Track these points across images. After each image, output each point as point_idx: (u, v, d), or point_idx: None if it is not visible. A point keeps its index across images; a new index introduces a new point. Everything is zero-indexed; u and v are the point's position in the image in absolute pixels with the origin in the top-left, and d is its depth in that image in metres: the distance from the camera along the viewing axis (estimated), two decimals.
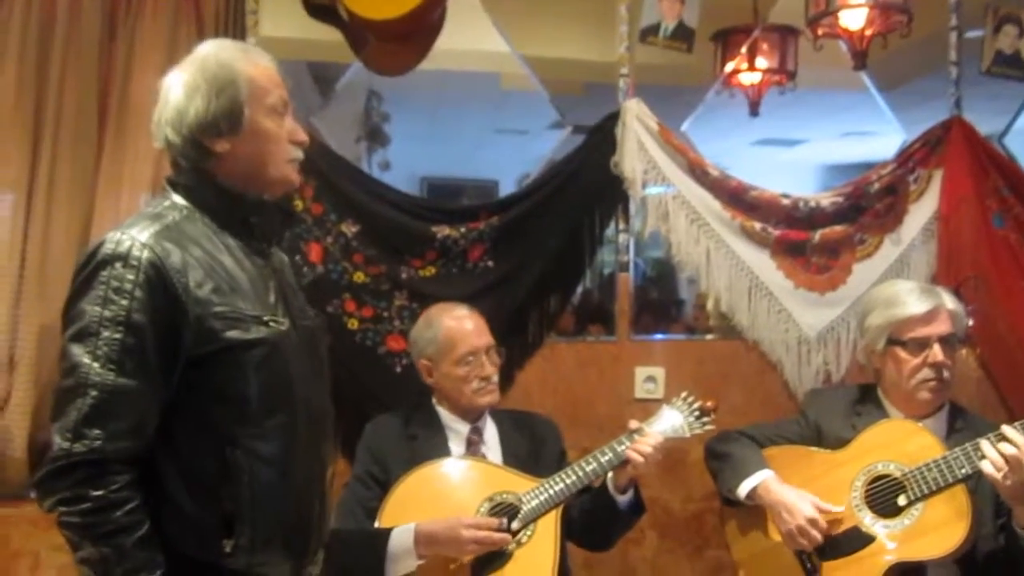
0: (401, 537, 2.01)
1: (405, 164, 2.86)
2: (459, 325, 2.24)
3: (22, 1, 2.50)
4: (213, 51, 1.54)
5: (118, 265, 1.39)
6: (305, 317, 1.63)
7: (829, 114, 3.31)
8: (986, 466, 1.92)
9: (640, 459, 2.07)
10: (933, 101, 2.96)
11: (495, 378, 2.24)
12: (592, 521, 2.17)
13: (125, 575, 1.34)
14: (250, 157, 1.53)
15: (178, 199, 1.53)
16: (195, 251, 1.46)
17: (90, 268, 1.41)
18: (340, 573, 2.01)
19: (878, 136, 3.07)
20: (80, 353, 1.37)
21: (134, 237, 1.42)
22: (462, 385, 2.21)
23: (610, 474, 2.13)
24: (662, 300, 2.99)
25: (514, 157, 3.05)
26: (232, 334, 1.44)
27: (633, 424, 2.17)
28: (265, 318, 1.49)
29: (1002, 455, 1.90)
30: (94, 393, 1.36)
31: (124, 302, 1.38)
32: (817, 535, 2.06)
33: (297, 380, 1.52)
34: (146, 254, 1.40)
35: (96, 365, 1.36)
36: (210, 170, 1.52)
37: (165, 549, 1.40)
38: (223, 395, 1.45)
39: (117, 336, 1.37)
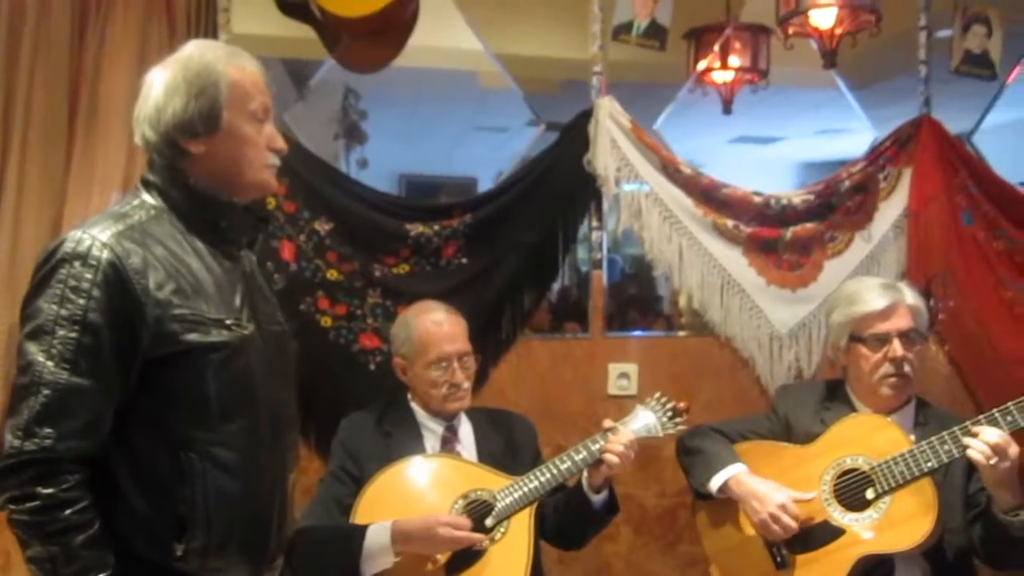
0: (377, 534, 2.01)
1: (383, 161, 2.85)
2: (434, 329, 2.22)
3: None
4: (198, 51, 1.53)
5: (77, 264, 1.39)
6: (273, 322, 1.62)
7: (804, 112, 3.33)
8: (974, 453, 1.94)
9: (614, 459, 2.08)
10: (904, 99, 3.01)
11: (466, 385, 2.23)
12: (566, 520, 2.18)
13: (73, 575, 1.34)
14: (226, 160, 1.52)
15: (148, 198, 1.52)
16: (159, 251, 1.45)
17: (49, 266, 1.41)
18: (315, 569, 2.02)
19: (852, 133, 3.10)
20: (35, 351, 1.37)
21: (95, 236, 1.41)
22: (431, 389, 2.21)
23: (585, 473, 2.14)
24: (644, 296, 3.00)
25: (492, 155, 3.05)
26: (191, 337, 1.43)
27: (607, 423, 2.18)
28: (228, 321, 1.48)
29: (987, 443, 1.92)
30: (47, 392, 1.36)
31: (81, 301, 1.38)
32: (790, 521, 2.07)
33: (260, 385, 1.52)
34: (106, 254, 1.40)
35: (50, 364, 1.36)
36: (184, 170, 1.51)
37: (118, 550, 1.40)
38: (180, 397, 1.44)
39: (72, 335, 1.37)
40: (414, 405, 2.27)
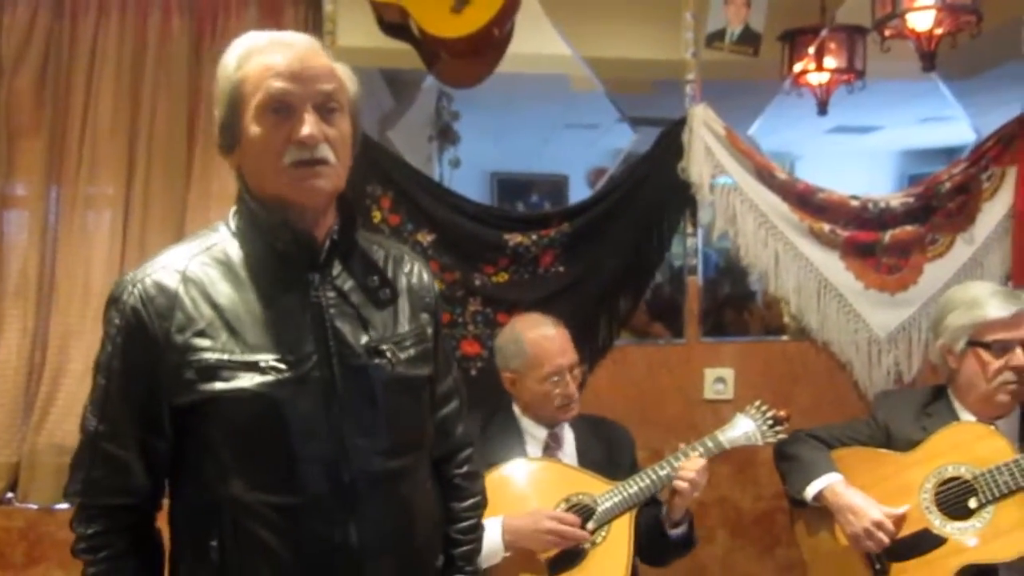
0: (489, 529, 2.03)
1: (475, 161, 2.89)
2: (547, 344, 2.25)
3: (116, 29, 2.65)
4: (226, 53, 1.37)
5: (112, 309, 1.35)
6: (356, 356, 1.37)
7: (904, 100, 3.26)
8: None
9: (684, 484, 2.10)
10: (1008, 86, 2.93)
11: (577, 395, 2.27)
12: (648, 542, 2.19)
13: None
14: (251, 174, 1.36)
15: (229, 221, 1.42)
16: (203, 284, 1.34)
17: (104, 308, 1.38)
18: None
19: (957, 120, 3.04)
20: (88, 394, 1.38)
21: (132, 277, 1.35)
22: (544, 401, 2.25)
23: (663, 509, 2.17)
24: (738, 295, 2.97)
25: (583, 152, 3.06)
26: (213, 386, 1.30)
27: (682, 447, 2.20)
28: (267, 363, 1.32)
29: None
30: (82, 438, 1.37)
31: (109, 348, 1.35)
32: (884, 537, 2.08)
33: (308, 432, 1.33)
34: (132, 299, 1.33)
35: (88, 409, 1.36)
36: (245, 188, 1.39)
37: None
38: (212, 447, 1.33)
39: (102, 382, 1.35)
40: (518, 411, 2.33)
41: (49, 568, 2.61)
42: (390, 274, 1.48)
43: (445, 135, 2.87)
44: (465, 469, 1.64)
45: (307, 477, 1.33)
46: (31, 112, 2.63)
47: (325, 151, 1.32)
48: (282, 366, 1.32)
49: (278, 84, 1.30)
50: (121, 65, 2.67)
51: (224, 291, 1.34)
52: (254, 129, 1.31)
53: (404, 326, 1.45)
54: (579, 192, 2.90)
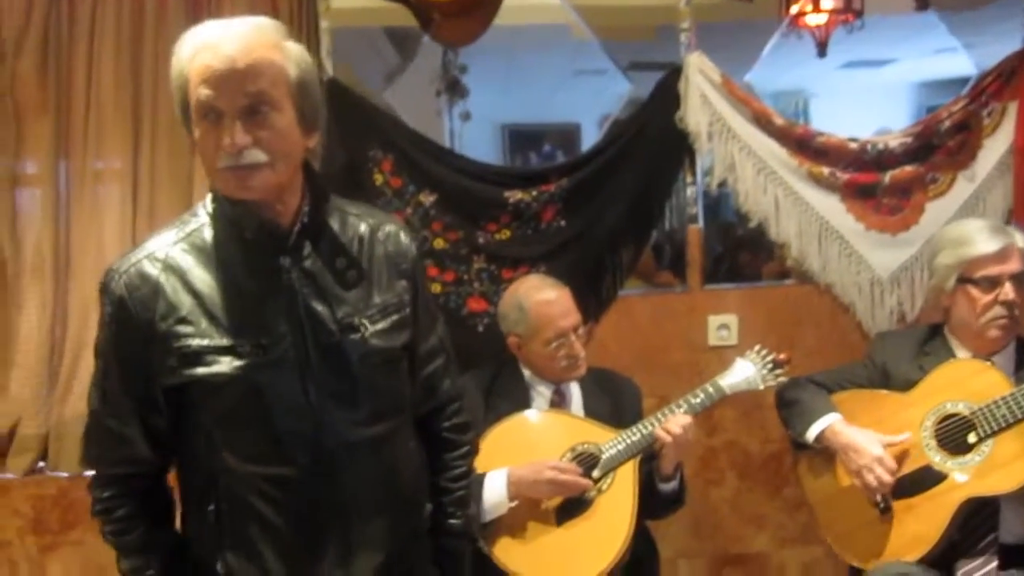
0: (495, 480, 2.13)
1: (485, 113, 2.88)
2: (548, 308, 2.28)
3: (113, 5, 2.66)
4: (177, 46, 1.39)
5: (104, 297, 1.43)
6: (330, 334, 1.43)
7: (913, 34, 3.20)
8: None
9: (667, 437, 2.15)
10: (1011, 19, 2.88)
11: (583, 354, 2.30)
12: (644, 495, 2.22)
13: (123, 571, 1.50)
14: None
15: (208, 204, 1.46)
16: (183, 271, 1.40)
17: (98, 294, 1.46)
18: None
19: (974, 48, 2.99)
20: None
21: (119, 267, 1.42)
22: (551, 363, 2.29)
23: (656, 462, 2.21)
24: (754, 237, 2.95)
25: (594, 99, 3.05)
26: (193, 371, 1.38)
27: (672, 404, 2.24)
28: (244, 347, 1.39)
29: None
30: (88, 416, 1.48)
31: (102, 333, 1.44)
32: (885, 474, 2.11)
33: (289, 410, 1.41)
34: (119, 289, 1.40)
35: (91, 388, 1.47)
36: None
37: (195, 559, 1.49)
38: (200, 425, 1.43)
39: (100, 364, 1.46)
40: (524, 369, 2.37)
41: (84, 531, 2.71)
42: (365, 249, 1.51)
43: (454, 89, 2.87)
44: (453, 421, 1.69)
45: (290, 450, 1.42)
46: (36, 92, 2.66)
47: (253, 156, 1.33)
48: (258, 349, 1.39)
49: (206, 91, 1.32)
50: (120, 41, 2.68)
51: (202, 278, 1.41)
52: (196, 131, 1.36)
53: (377, 298, 1.49)
54: (591, 140, 2.91)
